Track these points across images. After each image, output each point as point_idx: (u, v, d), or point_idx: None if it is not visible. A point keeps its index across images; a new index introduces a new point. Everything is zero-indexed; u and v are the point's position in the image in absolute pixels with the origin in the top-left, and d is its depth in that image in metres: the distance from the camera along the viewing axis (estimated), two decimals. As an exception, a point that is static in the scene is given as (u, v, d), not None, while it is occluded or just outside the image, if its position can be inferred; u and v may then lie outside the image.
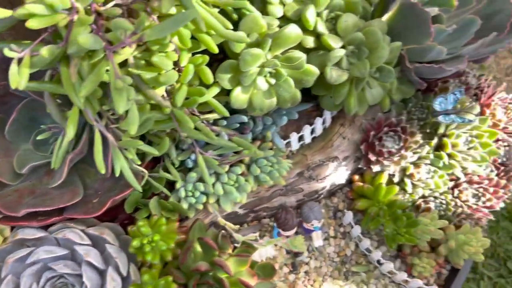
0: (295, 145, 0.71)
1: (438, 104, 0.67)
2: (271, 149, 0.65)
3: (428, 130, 0.70)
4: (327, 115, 0.71)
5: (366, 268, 0.70)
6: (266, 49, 0.53)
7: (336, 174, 0.71)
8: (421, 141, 0.69)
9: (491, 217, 0.70)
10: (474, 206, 0.69)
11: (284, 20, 0.57)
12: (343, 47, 0.57)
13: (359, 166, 0.72)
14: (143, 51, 0.47)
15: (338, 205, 0.74)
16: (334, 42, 0.56)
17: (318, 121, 0.69)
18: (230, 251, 0.62)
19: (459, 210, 0.69)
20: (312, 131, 0.71)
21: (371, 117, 0.72)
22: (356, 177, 0.72)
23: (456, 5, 0.70)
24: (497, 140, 0.73)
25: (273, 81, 0.55)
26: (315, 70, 0.56)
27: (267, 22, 0.55)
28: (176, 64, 0.49)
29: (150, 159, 0.62)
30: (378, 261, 0.69)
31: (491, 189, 0.69)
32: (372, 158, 0.68)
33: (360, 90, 0.62)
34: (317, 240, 0.70)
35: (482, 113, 0.72)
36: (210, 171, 0.62)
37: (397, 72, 0.68)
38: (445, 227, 0.67)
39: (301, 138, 0.71)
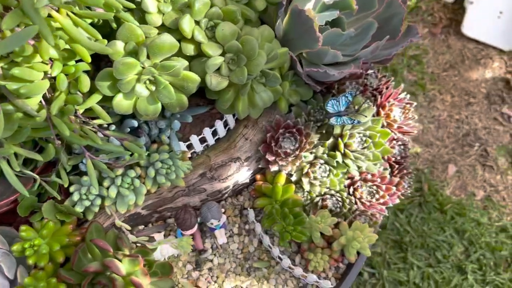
0: (198, 147, 0.73)
1: (330, 106, 0.70)
2: (171, 151, 0.67)
3: (324, 131, 0.73)
4: (229, 117, 0.74)
5: (267, 264, 0.73)
6: (142, 58, 0.55)
7: (239, 174, 0.74)
8: (316, 142, 0.72)
9: (385, 213, 0.74)
10: (368, 203, 0.72)
11: (164, 29, 0.58)
12: (222, 54, 0.59)
13: (260, 166, 0.74)
14: (9, 62, 0.49)
15: (244, 203, 0.77)
16: (212, 50, 0.58)
17: (218, 124, 0.72)
18: (127, 251, 0.64)
19: (354, 207, 0.73)
20: (215, 133, 0.73)
21: (274, 119, 0.75)
22: (258, 176, 0.75)
23: (356, 8, 0.73)
24: (392, 140, 0.76)
25: (153, 87, 0.57)
26: (195, 77, 0.58)
27: (145, 31, 0.56)
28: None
29: (46, 163, 0.64)
30: (279, 257, 0.72)
31: (384, 187, 0.72)
32: (270, 158, 0.71)
33: (247, 94, 0.64)
34: (221, 237, 0.73)
35: (377, 113, 0.75)
36: (105, 175, 0.64)
37: (292, 75, 0.71)
38: (339, 223, 0.70)
39: (204, 140, 0.73)
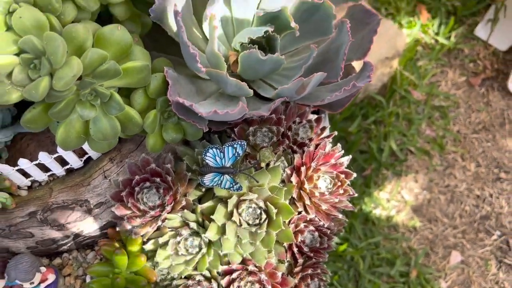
0: (38, 175, 0.54)
1: (211, 157, 0.48)
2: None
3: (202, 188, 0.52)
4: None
5: None
6: None
7: (84, 222, 0.54)
8: (192, 201, 0.50)
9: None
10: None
11: None
12: (20, 53, 0.40)
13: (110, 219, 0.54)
14: None
15: (94, 261, 0.57)
16: (1, 45, 0.39)
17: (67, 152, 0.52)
18: None
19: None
20: (64, 162, 0.54)
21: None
22: (110, 231, 0.54)
23: (295, 27, 0.52)
24: (304, 220, 0.52)
25: None
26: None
27: None
28: None
29: None
30: None
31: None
32: (120, 212, 0.51)
33: (77, 120, 0.44)
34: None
35: (288, 177, 0.52)
36: None
37: (165, 102, 0.50)
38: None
39: (47, 168, 0.54)
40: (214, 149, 0.48)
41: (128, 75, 0.44)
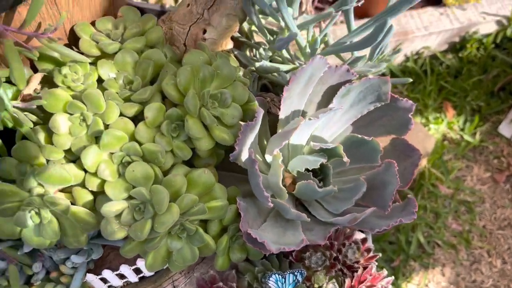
0: (115, 282, 0.61)
1: (273, 282, 0.55)
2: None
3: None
4: (160, 256, 0.61)
5: None
6: (32, 183, 0.46)
7: (153, 329, 0.60)
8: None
9: None
10: None
11: (72, 154, 0.50)
12: (130, 197, 0.48)
13: (178, 328, 0.60)
14: None
15: None
16: (114, 192, 0.47)
17: (141, 263, 0.59)
18: None
19: None
20: (138, 270, 0.61)
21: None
22: (175, 338, 0.60)
23: (347, 161, 0.60)
24: None
25: (37, 220, 0.48)
26: (87, 218, 0.48)
27: (47, 154, 0.48)
28: None
29: None
30: None
31: None
32: (188, 324, 0.57)
33: (164, 247, 0.52)
34: None
35: (338, 303, 0.58)
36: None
37: (236, 229, 0.58)
38: None
39: (124, 276, 0.61)
40: (276, 275, 0.55)
41: (211, 212, 0.52)
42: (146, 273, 0.62)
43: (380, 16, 0.57)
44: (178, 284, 0.62)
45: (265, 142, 0.66)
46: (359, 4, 0.57)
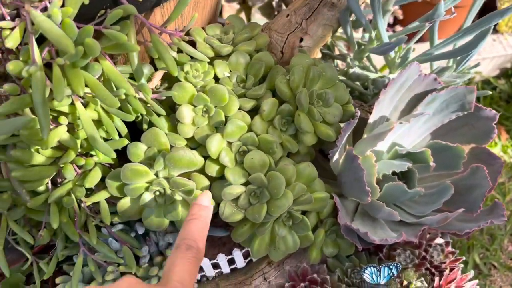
0: (209, 272, 0.65)
1: (368, 274, 0.57)
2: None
3: (356, 301, 0.60)
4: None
5: None
6: (158, 167, 0.51)
7: (244, 318, 0.63)
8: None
9: None
10: None
11: (194, 142, 0.54)
12: (246, 184, 0.52)
13: (271, 318, 0.62)
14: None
15: None
16: (234, 177, 0.51)
17: (236, 253, 0.63)
18: None
19: None
20: (233, 261, 0.65)
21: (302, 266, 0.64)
22: (267, 329, 0.63)
23: (433, 165, 0.63)
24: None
25: (162, 201, 0.52)
26: (207, 201, 0.52)
27: (172, 140, 0.53)
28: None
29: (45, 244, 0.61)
30: None
31: None
32: (282, 313, 0.59)
33: (269, 234, 0.55)
34: None
35: (429, 300, 0.60)
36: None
37: (331, 223, 0.61)
38: None
39: (218, 266, 0.64)
40: (372, 268, 0.57)
41: (315, 202, 0.55)
42: (238, 264, 0.65)
43: (472, 28, 0.61)
44: (268, 277, 0.64)
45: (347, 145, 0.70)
46: (452, 16, 0.61)
